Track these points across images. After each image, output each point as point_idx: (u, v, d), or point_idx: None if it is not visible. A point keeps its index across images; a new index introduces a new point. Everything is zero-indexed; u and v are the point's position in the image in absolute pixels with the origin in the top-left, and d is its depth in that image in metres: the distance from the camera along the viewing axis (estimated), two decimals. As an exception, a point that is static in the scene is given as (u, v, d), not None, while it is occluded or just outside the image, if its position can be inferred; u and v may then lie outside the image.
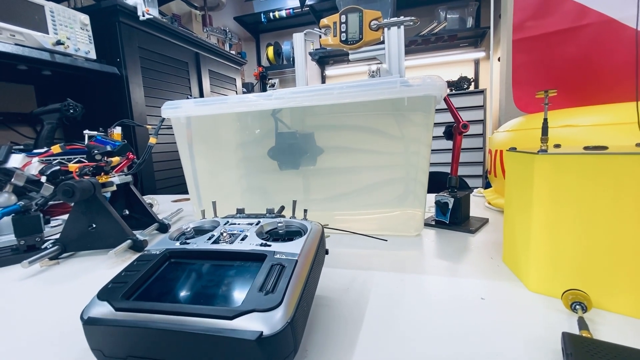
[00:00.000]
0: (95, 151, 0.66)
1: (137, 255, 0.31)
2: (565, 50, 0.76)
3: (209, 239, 0.32)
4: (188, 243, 0.32)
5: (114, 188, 0.60)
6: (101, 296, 0.25)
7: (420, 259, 0.47)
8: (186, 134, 0.69)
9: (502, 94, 1.89)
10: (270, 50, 3.05)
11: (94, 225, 0.54)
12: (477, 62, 2.69)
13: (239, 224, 0.35)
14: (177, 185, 1.57)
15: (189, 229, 0.34)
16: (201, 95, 1.76)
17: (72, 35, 1.15)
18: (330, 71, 3.12)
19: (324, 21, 0.72)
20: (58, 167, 0.64)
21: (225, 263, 0.29)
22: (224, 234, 0.31)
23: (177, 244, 0.32)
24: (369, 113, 0.59)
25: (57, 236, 0.55)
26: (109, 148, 0.68)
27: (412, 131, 0.57)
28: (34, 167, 0.75)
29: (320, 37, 0.73)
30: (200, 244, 0.31)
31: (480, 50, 2.62)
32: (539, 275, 0.35)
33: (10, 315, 0.36)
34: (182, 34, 1.60)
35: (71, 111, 1.07)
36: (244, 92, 2.67)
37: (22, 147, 0.88)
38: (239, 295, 0.24)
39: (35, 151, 0.84)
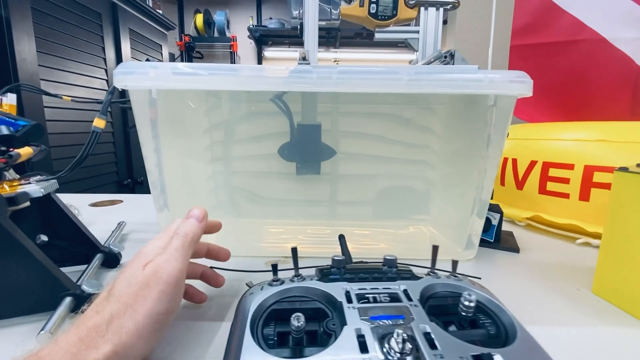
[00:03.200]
0: (-20, 134, 0.38)
1: None
2: (560, 62, 0.77)
3: (363, 350, 0.16)
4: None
5: (28, 204, 0.35)
6: None
7: (521, 298, 0.38)
8: (150, 112, 0.45)
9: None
10: (200, 18, 2.63)
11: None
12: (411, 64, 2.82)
13: (371, 298, 0.20)
14: (83, 179, 1.17)
15: (298, 325, 0.17)
16: (119, 60, 1.36)
17: None
18: (268, 52, 2.87)
19: (347, -15, 0.56)
20: None
21: None
22: (398, 344, 0.16)
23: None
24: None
25: None
26: (4, 130, 0.40)
27: (480, 137, 0.47)
28: None
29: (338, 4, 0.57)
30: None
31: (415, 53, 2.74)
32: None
33: None
34: (94, -27, 1.19)
35: None
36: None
37: None
38: None
39: None
